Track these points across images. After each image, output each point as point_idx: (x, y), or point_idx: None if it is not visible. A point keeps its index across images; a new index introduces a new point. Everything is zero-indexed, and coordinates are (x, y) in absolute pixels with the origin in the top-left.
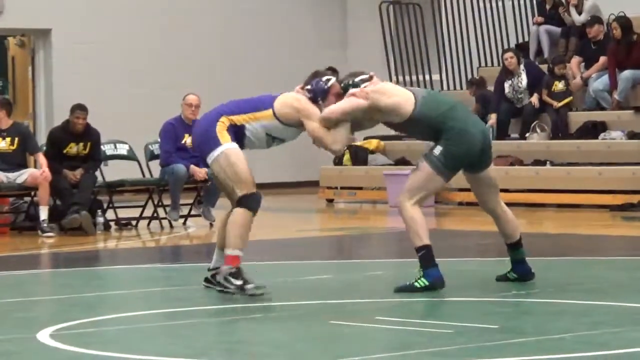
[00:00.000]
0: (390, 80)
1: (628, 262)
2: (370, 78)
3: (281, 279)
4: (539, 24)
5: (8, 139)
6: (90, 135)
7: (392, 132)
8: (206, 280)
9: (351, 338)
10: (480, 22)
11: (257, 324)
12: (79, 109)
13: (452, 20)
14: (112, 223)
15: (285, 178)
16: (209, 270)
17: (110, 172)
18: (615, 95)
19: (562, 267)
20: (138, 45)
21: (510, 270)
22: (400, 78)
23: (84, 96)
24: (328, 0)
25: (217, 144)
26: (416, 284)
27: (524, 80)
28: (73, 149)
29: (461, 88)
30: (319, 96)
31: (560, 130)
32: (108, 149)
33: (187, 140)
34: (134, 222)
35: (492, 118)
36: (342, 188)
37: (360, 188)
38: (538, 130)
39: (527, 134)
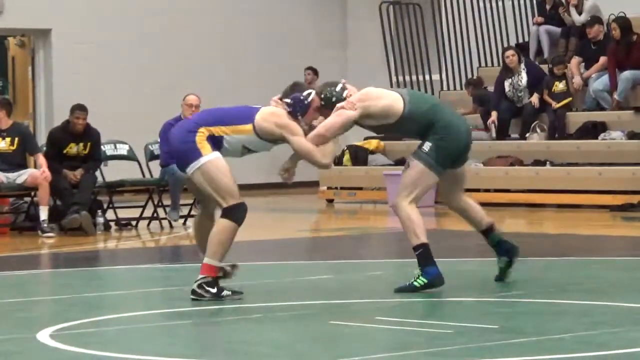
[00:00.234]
0: (390, 81)
1: (628, 263)
2: (343, 86)
3: (281, 279)
4: (539, 24)
5: (8, 139)
6: (90, 136)
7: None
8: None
9: (351, 338)
10: (480, 22)
11: (257, 324)
12: (79, 109)
13: (452, 20)
14: (112, 223)
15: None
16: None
17: (110, 172)
18: (615, 96)
19: (562, 267)
20: (138, 46)
21: (497, 258)
22: (400, 78)
23: (84, 96)
24: (328, 0)
25: (197, 155)
26: (415, 283)
27: (524, 78)
28: (73, 149)
29: (461, 88)
30: (298, 111)
31: (557, 131)
32: (108, 149)
33: None
34: (134, 223)
35: (493, 116)
36: (342, 188)
37: (360, 188)
38: (538, 130)
39: (527, 134)
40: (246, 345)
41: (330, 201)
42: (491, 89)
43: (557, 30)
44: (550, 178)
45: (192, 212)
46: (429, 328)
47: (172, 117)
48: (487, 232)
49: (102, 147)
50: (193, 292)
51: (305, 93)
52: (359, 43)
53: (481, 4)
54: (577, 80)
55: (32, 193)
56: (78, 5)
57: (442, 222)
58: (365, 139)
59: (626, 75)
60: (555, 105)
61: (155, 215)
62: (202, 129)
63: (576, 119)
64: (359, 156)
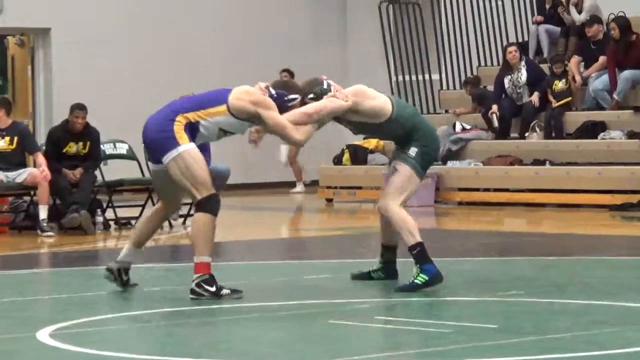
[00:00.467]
0: (390, 80)
1: (627, 262)
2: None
3: (280, 278)
4: (539, 24)
5: (7, 139)
6: (89, 135)
7: None
8: (109, 269)
9: (350, 337)
10: (480, 21)
11: (256, 323)
12: (78, 108)
13: (452, 19)
14: (111, 222)
15: (285, 177)
16: (115, 261)
17: (110, 171)
18: (615, 95)
19: (561, 266)
20: (137, 45)
21: (377, 269)
22: (400, 78)
23: (83, 95)
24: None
25: (175, 144)
26: (417, 280)
27: (523, 75)
28: (72, 148)
29: (460, 87)
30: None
31: (555, 130)
32: (107, 149)
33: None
34: (133, 222)
35: (494, 108)
36: (341, 187)
37: (360, 187)
38: (537, 129)
39: (526, 134)
40: (245, 345)
41: (330, 200)
42: (490, 88)
43: (557, 29)
44: (549, 177)
45: (192, 212)
46: (427, 327)
47: None
48: (390, 249)
49: (101, 146)
50: (192, 291)
51: (291, 96)
52: (359, 42)
53: (481, 3)
54: (577, 80)
55: (32, 192)
56: (77, 5)
57: (442, 222)
58: (365, 138)
59: (626, 75)
60: (555, 103)
61: None
62: (179, 117)
63: (575, 118)
64: (359, 155)
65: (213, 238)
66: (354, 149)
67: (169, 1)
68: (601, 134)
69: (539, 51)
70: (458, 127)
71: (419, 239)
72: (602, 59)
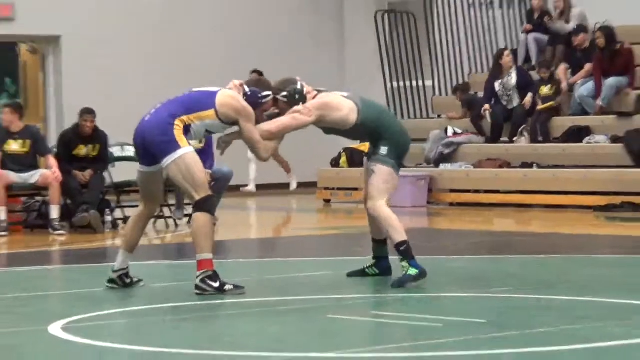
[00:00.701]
0: (385, 86)
1: (611, 260)
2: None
3: (281, 275)
4: (528, 32)
5: (20, 141)
6: (98, 138)
7: None
8: (110, 281)
9: (348, 331)
10: (471, 30)
11: (258, 318)
12: (87, 112)
13: (444, 28)
14: (119, 221)
15: (285, 179)
16: (113, 271)
17: (118, 173)
18: (599, 101)
19: (548, 264)
20: (144, 51)
21: (371, 265)
22: (395, 84)
23: (93, 100)
24: (326, 8)
25: (176, 147)
26: (410, 272)
27: (513, 79)
28: (82, 150)
29: (453, 93)
30: (250, 103)
31: (542, 135)
32: (116, 151)
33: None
34: None
35: (486, 106)
36: (338, 189)
37: (356, 189)
38: (525, 134)
39: (514, 138)
40: (248, 338)
41: (328, 201)
42: (480, 94)
43: (545, 38)
44: (537, 180)
45: None
46: (420, 322)
47: None
48: (381, 243)
49: (110, 149)
50: (197, 287)
51: (264, 94)
52: (356, 49)
53: (472, 13)
54: (563, 87)
55: (44, 192)
56: (86, 13)
57: (435, 222)
58: (361, 141)
59: (610, 82)
60: (540, 106)
61: (161, 214)
62: (177, 122)
63: (562, 123)
64: (355, 158)
65: (213, 235)
66: (350, 152)
67: (177, 12)
68: (586, 138)
69: (527, 59)
70: (450, 131)
71: (405, 236)
72: (588, 66)
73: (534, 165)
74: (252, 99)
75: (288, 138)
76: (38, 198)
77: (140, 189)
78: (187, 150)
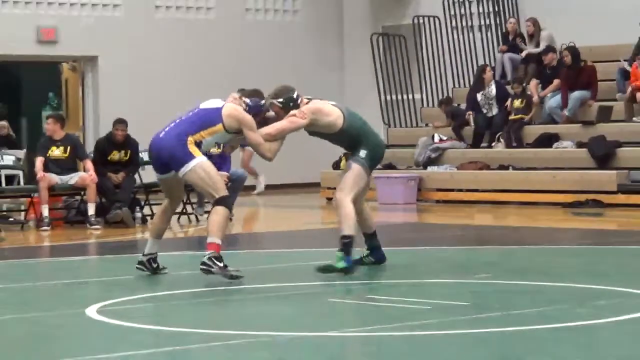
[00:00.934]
0: (380, 99)
1: (577, 250)
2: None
3: (287, 263)
4: (503, 52)
5: (62, 148)
6: (130, 145)
7: None
8: (140, 263)
9: (347, 313)
10: (455, 50)
11: (266, 301)
12: (119, 122)
13: (431, 49)
14: (148, 218)
15: (292, 180)
16: (143, 255)
17: (147, 175)
18: (566, 112)
19: (523, 254)
20: (171, 69)
21: (367, 255)
22: (388, 97)
23: (125, 112)
24: (328, 32)
25: (191, 157)
26: (338, 265)
27: (493, 90)
28: (116, 155)
29: (438, 106)
30: (252, 112)
31: (516, 141)
32: (145, 156)
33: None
34: None
35: (470, 113)
36: None
37: None
38: (502, 140)
39: (492, 144)
40: (258, 319)
41: (330, 199)
42: (462, 106)
43: (519, 57)
44: (512, 180)
45: None
46: (411, 305)
47: None
48: (371, 236)
49: (140, 154)
50: (203, 263)
51: (262, 102)
52: (354, 67)
53: (455, 36)
54: (534, 99)
55: (82, 192)
56: (121, 36)
57: (423, 217)
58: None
59: (575, 95)
60: (512, 117)
61: (184, 210)
62: (189, 138)
63: (534, 131)
64: None
65: (226, 227)
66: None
67: (197, 36)
68: (555, 144)
69: (503, 75)
70: (436, 138)
71: (354, 232)
72: (556, 81)
73: (510, 167)
74: (255, 109)
75: (295, 144)
76: (77, 197)
77: (163, 189)
78: (201, 160)
